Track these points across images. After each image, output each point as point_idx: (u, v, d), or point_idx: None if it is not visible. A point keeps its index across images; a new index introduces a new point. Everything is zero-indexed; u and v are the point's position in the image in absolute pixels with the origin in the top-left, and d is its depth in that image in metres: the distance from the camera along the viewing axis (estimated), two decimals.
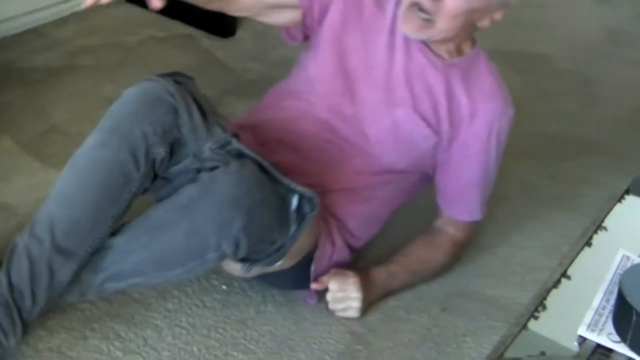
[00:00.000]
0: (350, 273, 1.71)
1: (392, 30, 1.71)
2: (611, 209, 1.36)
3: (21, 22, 2.74)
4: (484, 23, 1.68)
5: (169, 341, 1.61)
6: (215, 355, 1.60)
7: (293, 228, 1.52)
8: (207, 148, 1.51)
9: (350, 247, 1.77)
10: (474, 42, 1.77)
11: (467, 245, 1.89)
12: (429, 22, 1.61)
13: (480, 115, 1.71)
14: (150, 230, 1.49)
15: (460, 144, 1.73)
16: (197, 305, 1.71)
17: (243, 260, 1.53)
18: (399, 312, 1.78)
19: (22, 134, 2.20)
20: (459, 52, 1.74)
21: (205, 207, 1.43)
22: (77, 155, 1.51)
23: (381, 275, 1.75)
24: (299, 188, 1.52)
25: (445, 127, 1.72)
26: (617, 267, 1.20)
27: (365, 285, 1.71)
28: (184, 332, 1.64)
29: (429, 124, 1.71)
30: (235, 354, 1.61)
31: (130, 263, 1.49)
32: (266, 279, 1.71)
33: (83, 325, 1.62)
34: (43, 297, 1.44)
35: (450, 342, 1.71)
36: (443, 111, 1.71)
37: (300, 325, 1.70)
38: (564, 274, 1.17)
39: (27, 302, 1.42)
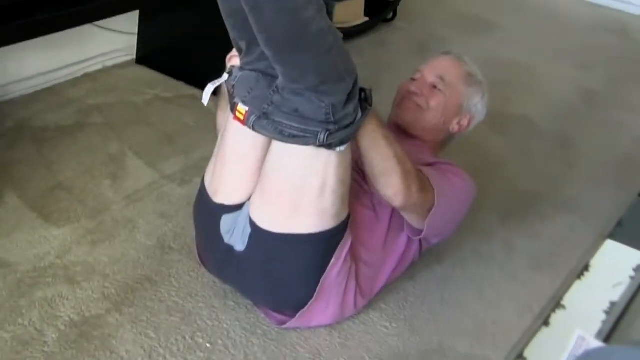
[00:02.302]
0: None
1: None
2: (570, 286, 1.30)
3: (37, 82, 2.75)
4: (454, 126, 2.01)
5: None
6: None
7: (360, 113, 1.52)
8: None
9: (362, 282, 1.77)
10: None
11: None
12: (420, 107, 1.97)
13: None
14: None
15: None
16: None
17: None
18: None
19: (29, 191, 2.18)
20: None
21: None
22: None
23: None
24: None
25: None
26: (572, 349, 1.15)
27: None
28: None
29: None
30: None
31: None
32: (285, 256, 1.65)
33: None
34: None
35: None
36: None
37: None
38: (520, 356, 1.11)
39: None
